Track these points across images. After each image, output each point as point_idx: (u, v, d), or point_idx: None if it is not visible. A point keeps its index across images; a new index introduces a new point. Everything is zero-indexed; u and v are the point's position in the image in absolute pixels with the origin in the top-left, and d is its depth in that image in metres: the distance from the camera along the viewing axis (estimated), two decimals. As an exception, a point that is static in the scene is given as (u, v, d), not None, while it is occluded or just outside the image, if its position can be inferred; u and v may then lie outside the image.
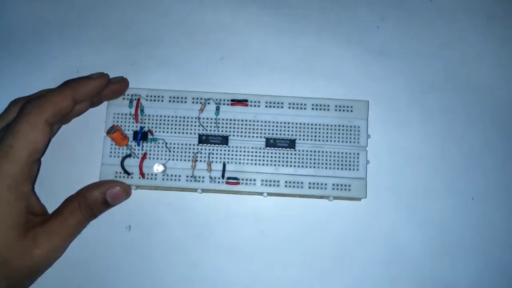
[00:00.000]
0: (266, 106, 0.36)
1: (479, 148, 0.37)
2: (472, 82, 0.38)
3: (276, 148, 0.35)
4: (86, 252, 0.35)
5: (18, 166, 0.29)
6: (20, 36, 0.39)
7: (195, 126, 0.35)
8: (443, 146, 0.37)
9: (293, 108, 0.36)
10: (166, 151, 0.35)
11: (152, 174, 0.35)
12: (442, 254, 0.36)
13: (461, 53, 0.39)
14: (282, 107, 0.36)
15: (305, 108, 0.36)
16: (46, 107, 0.31)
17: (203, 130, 0.35)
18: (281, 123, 0.35)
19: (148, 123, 0.35)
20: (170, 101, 0.36)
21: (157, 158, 0.35)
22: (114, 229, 0.36)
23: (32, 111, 0.30)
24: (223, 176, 0.35)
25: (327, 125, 0.35)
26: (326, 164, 0.35)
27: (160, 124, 0.36)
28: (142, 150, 0.35)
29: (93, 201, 0.33)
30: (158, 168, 0.34)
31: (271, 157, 0.35)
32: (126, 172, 0.35)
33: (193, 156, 0.35)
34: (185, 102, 0.36)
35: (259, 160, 0.35)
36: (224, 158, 0.35)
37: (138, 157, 0.35)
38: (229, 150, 0.35)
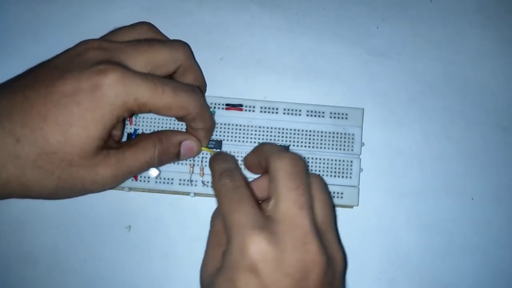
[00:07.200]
0: (261, 112, 0.35)
1: (478, 148, 0.37)
2: (472, 82, 0.38)
3: (270, 154, 0.35)
4: (86, 252, 0.36)
5: (134, 99, 0.29)
6: (18, 36, 0.39)
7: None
8: (443, 146, 0.37)
9: (288, 114, 0.35)
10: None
11: (145, 177, 0.35)
12: (442, 254, 0.36)
13: (463, 53, 0.38)
14: (276, 112, 0.35)
15: (299, 115, 0.35)
16: None
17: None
18: (275, 128, 0.35)
19: (142, 126, 0.35)
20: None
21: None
22: (114, 229, 0.36)
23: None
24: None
25: (322, 132, 0.35)
26: (319, 171, 0.35)
27: (154, 126, 0.35)
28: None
29: (167, 147, 0.32)
30: (152, 172, 0.34)
31: (265, 162, 0.35)
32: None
33: (191, 160, 0.35)
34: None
35: (253, 165, 0.35)
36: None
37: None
38: (223, 155, 0.35)
